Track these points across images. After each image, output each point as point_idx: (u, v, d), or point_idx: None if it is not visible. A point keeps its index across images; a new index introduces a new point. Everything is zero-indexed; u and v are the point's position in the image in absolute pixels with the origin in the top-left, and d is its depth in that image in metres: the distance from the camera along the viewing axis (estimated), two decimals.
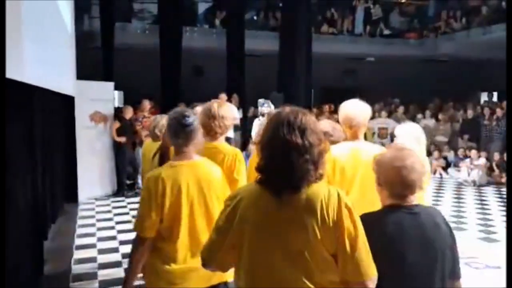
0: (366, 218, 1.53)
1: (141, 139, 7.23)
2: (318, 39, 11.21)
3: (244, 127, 9.55)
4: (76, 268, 4.16)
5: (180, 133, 2.04)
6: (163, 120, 3.22)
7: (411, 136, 2.76)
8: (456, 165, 9.18)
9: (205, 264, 1.57)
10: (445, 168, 9.26)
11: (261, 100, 6.73)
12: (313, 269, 1.40)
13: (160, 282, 2.00)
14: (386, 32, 12.85)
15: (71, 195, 6.57)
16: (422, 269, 1.59)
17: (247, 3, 11.94)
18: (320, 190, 1.43)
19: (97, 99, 7.02)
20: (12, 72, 2.19)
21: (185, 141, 2.05)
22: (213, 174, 2.10)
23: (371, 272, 1.42)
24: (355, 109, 2.45)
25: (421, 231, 1.60)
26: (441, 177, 9.09)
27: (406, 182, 1.61)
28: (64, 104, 6.24)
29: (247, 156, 5.32)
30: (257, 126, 6.13)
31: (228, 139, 7.93)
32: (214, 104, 2.63)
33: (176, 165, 2.04)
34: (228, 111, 2.66)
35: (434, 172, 9.18)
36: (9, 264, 2.56)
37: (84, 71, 8.15)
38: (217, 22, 11.75)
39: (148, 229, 1.96)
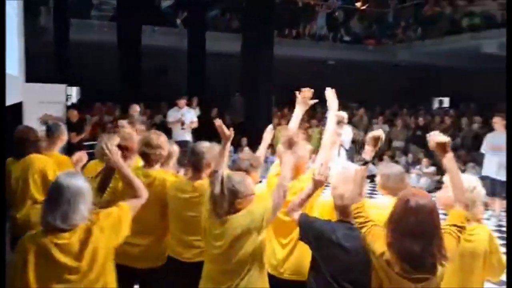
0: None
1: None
2: (280, 42, 11.32)
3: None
4: None
5: None
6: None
7: None
8: (407, 171, 9.55)
9: None
10: None
11: None
12: None
13: None
14: (346, 38, 13.14)
15: None
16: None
17: (209, 3, 11.90)
18: None
19: (48, 102, 6.80)
20: None
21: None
22: None
23: None
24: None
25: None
26: None
27: None
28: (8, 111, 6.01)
29: None
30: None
31: (185, 142, 7.99)
32: (153, 135, 2.74)
33: None
34: (165, 142, 2.79)
35: None
36: None
37: (38, 68, 7.90)
38: (178, 21, 11.65)
39: None
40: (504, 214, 6.94)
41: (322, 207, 2.53)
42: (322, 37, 13.00)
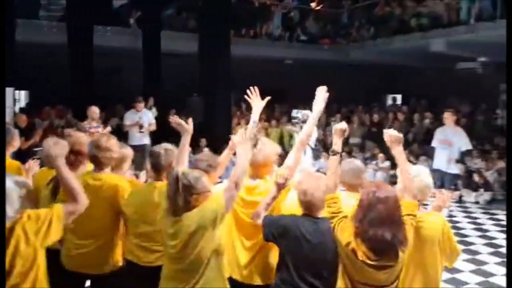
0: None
1: None
2: (237, 42, 11.31)
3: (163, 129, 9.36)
4: None
5: None
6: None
7: None
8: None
9: None
10: None
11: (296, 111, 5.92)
12: None
13: None
14: (303, 37, 13.31)
15: None
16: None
17: (164, 2, 11.69)
18: None
19: None
20: None
21: None
22: None
23: None
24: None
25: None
26: None
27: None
28: None
29: None
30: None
31: (144, 146, 7.81)
32: (102, 138, 2.70)
33: None
34: (115, 145, 2.77)
35: None
36: None
37: None
38: (132, 21, 11.36)
39: None
40: (455, 205, 7.32)
41: (289, 212, 2.55)
42: (279, 37, 13.11)
